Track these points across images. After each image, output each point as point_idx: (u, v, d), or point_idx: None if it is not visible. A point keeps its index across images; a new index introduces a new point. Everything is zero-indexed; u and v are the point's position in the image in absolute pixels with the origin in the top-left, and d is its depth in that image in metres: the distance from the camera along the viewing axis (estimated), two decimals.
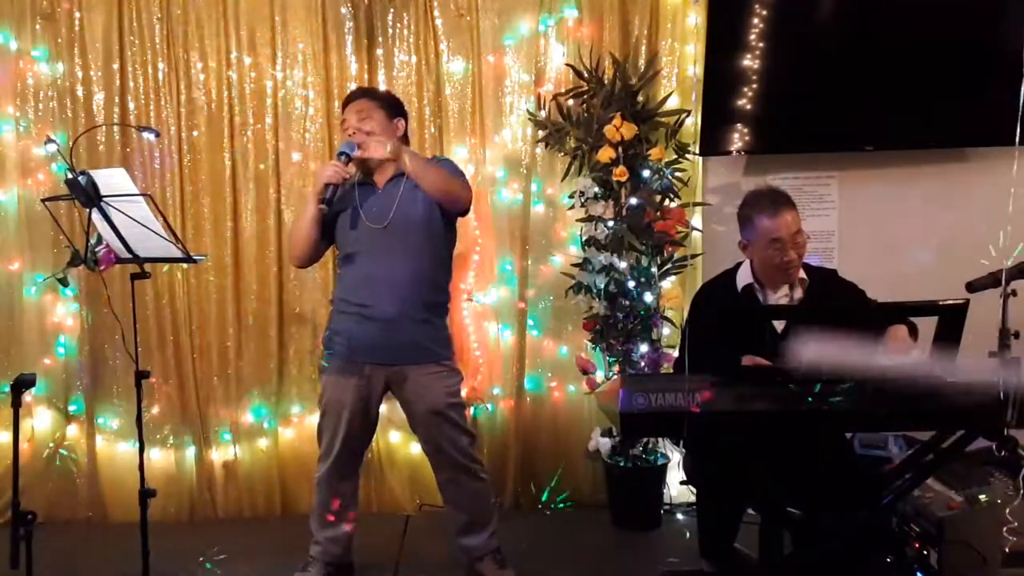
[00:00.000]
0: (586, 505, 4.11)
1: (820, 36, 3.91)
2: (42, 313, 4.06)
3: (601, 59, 3.94)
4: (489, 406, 4.15)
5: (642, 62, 4.01)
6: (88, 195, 2.71)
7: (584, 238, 3.93)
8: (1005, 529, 2.77)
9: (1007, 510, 2.84)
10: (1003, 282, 2.39)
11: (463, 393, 4.03)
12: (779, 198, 2.92)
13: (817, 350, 2.21)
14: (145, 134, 3.50)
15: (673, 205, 3.89)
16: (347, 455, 3.17)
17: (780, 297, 2.95)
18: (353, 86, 3.97)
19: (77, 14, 3.93)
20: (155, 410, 4.04)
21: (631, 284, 3.85)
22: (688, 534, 3.73)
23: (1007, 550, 2.83)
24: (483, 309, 4.17)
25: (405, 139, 3.21)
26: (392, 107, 3.18)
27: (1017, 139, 2.36)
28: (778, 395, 2.26)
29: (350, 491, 3.24)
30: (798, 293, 2.94)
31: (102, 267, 3.00)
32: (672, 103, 3.98)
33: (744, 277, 3.00)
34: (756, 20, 3.87)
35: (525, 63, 4.08)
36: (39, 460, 4.03)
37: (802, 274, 2.95)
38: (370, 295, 3.05)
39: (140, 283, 3.04)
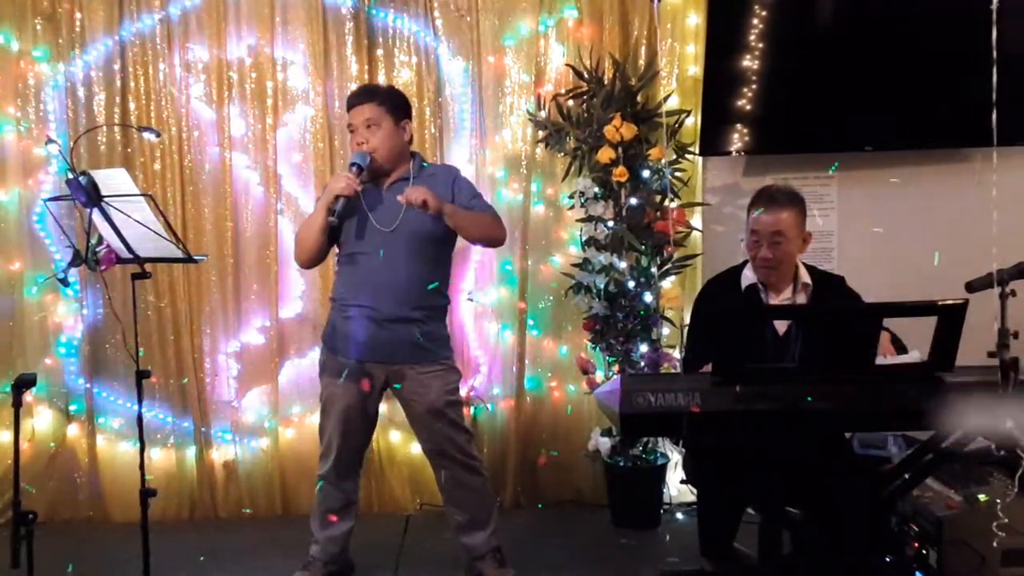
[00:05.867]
0: (586, 505, 4.12)
1: (820, 36, 3.92)
2: (43, 313, 4.06)
3: (601, 59, 3.94)
4: (489, 406, 4.15)
5: (642, 62, 4.01)
6: (89, 195, 2.71)
7: (584, 238, 3.93)
8: (1002, 528, 2.77)
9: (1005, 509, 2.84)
10: (996, 282, 2.38)
11: (462, 393, 4.04)
12: (778, 197, 2.91)
13: (817, 351, 2.21)
14: (146, 134, 3.50)
15: (673, 205, 3.89)
16: (347, 453, 3.18)
17: (782, 300, 2.94)
18: (354, 87, 3.98)
19: (78, 14, 3.94)
20: (156, 410, 4.05)
21: (631, 284, 3.85)
22: (688, 534, 3.73)
23: (1006, 549, 2.83)
24: (483, 309, 4.17)
25: (411, 139, 3.21)
26: (398, 109, 3.14)
27: (995, 140, 2.37)
28: (778, 395, 2.26)
29: (350, 490, 3.25)
30: (801, 298, 2.93)
31: (103, 267, 3.00)
32: (672, 103, 3.99)
33: (748, 277, 2.99)
34: (756, 20, 3.88)
35: (525, 63, 4.08)
36: (40, 460, 4.04)
37: (806, 279, 2.94)
38: (371, 296, 3.05)
39: (141, 283, 3.04)
